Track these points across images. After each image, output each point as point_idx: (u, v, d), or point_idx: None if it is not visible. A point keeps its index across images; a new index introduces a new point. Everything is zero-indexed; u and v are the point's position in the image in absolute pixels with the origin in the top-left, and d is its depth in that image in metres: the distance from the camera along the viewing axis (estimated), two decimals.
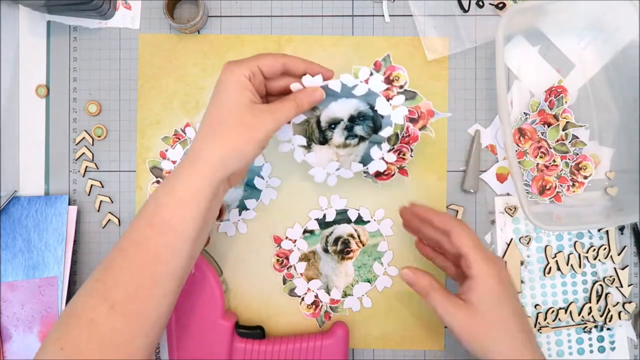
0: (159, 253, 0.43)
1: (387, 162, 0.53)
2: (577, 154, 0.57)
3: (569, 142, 0.57)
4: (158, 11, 0.58)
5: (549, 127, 0.56)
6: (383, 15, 0.58)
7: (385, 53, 0.54)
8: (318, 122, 0.52)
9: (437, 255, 0.53)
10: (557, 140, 0.56)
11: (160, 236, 0.43)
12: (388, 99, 0.51)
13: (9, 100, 0.57)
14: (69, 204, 0.58)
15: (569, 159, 0.57)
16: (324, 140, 0.52)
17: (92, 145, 0.59)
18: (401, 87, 0.52)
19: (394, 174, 0.56)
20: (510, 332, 0.45)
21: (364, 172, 0.55)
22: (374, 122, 0.52)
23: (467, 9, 0.58)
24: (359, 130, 0.52)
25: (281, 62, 0.47)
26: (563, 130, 0.57)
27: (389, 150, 0.53)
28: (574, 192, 0.57)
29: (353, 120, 0.51)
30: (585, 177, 0.57)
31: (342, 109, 0.51)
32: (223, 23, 0.59)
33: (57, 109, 0.59)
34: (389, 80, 0.52)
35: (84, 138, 0.58)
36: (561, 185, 0.57)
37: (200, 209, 0.43)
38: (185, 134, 0.58)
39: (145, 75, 0.59)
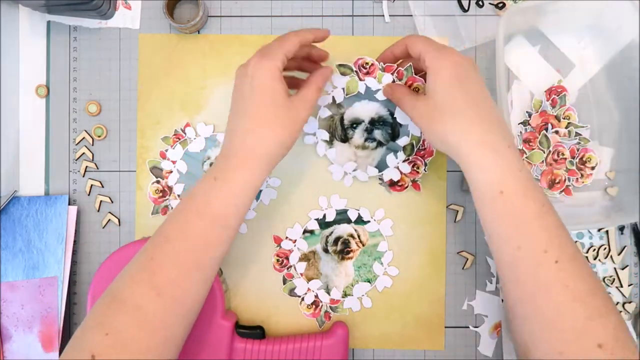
0: (208, 243, 0.45)
1: (401, 172, 0.56)
2: (578, 149, 0.57)
3: (572, 138, 0.57)
4: (158, 11, 0.58)
5: (552, 127, 0.56)
6: (383, 15, 0.58)
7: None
8: (341, 119, 0.56)
9: None
10: (563, 135, 0.56)
11: (211, 227, 0.45)
12: None
13: (9, 101, 0.57)
14: (69, 204, 0.58)
15: (572, 158, 0.57)
16: (345, 138, 0.56)
17: (92, 145, 0.59)
18: None
19: (407, 187, 0.57)
20: (464, 115, 0.45)
21: (379, 178, 0.57)
22: (393, 129, 0.55)
23: (467, 8, 0.58)
24: (378, 134, 0.56)
25: (298, 42, 0.49)
26: (565, 128, 0.57)
27: (404, 160, 0.56)
28: (583, 182, 0.58)
29: (373, 123, 0.55)
30: (593, 168, 0.58)
31: (364, 110, 0.55)
32: (223, 23, 0.59)
33: (57, 109, 0.59)
34: None
35: (84, 138, 0.58)
36: (569, 179, 0.57)
37: (249, 201, 0.47)
38: (185, 134, 0.58)
39: (145, 75, 0.59)
